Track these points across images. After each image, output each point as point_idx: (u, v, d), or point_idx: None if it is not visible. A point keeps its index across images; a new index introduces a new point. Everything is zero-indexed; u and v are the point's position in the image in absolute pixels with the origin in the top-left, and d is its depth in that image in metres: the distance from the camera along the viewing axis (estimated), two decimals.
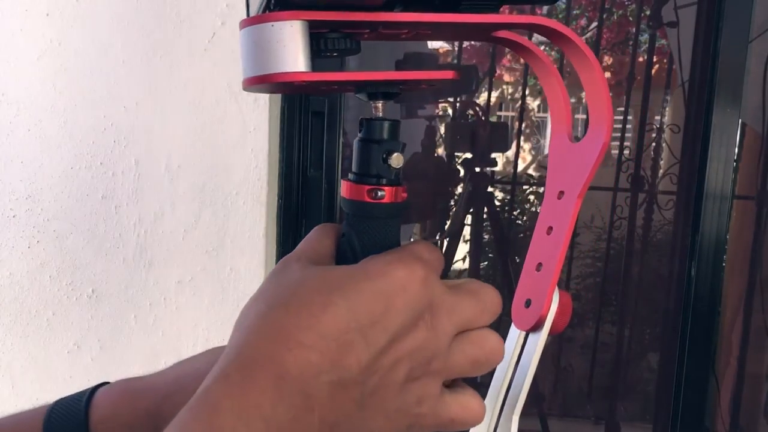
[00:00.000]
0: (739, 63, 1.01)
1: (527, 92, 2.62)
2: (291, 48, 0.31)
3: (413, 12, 0.32)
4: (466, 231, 2.19)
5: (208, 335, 1.06)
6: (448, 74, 0.34)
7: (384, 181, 0.36)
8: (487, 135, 2.00)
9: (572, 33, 0.35)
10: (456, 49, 2.48)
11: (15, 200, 1.07)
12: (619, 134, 2.29)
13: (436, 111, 2.25)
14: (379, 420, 0.31)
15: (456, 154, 2.21)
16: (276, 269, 0.35)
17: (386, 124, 0.36)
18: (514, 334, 0.39)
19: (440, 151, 2.29)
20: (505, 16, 0.33)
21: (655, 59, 2.33)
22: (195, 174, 1.03)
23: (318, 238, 0.36)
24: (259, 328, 0.31)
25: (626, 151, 2.31)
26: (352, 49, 0.34)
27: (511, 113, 3.67)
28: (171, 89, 1.02)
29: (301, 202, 1.10)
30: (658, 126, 2.26)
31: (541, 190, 2.89)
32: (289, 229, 1.09)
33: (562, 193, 0.38)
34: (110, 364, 1.09)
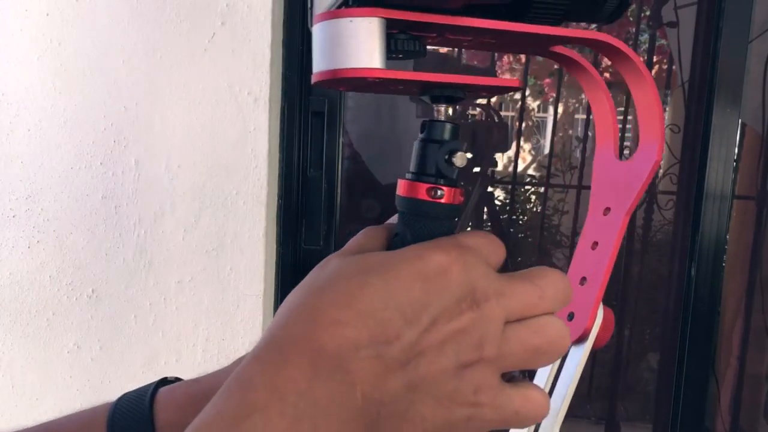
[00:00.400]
0: (739, 63, 1.01)
1: (527, 92, 2.62)
2: (368, 44, 0.32)
3: (476, 18, 0.33)
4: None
5: (208, 335, 1.06)
6: (514, 82, 0.35)
7: (443, 180, 0.36)
8: (487, 135, 2.00)
9: (631, 51, 0.35)
10: (455, 50, 2.48)
11: (15, 200, 1.07)
12: (618, 134, 2.29)
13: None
14: (430, 404, 0.30)
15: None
16: (318, 265, 0.34)
17: (449, 126, 0.36)
18: None
19: None
20: (568, 30, 0.34)
21: (655, 59, 2.33)
22: (195, 174, 1.03)
23: (365, 237, 0.36)
24: (293, 312, 0.31)
25: (626, 151, 2.31)
26: (418, 52, 0.34)
27: (511, 113, 3.67)
28: (171, 89, 1.02)
29: (301, 202, 1.10)
30: None
31: (541, 189, 2.89)
32: (289, 229, 1.09)
33: (608, 209, 0.38)
34: (110, 364, 1.09)
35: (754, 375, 1.84)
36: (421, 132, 0.37)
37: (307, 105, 1.08)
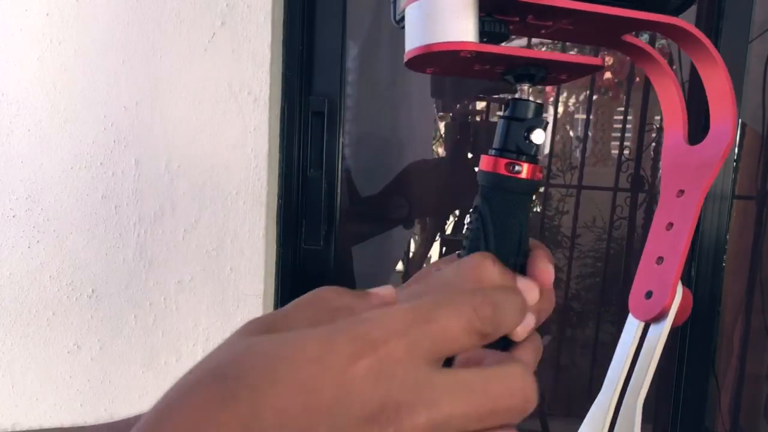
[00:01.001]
0: (739, 63, 1.01)
1: (527, 92, 2.62)
2: (463, 19, 0.33)
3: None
4: None
5: (208, 335, 1.06)
6: (597, 60, 0.37)
7: (523, 157, 0.37)
8: (487, 135, 2.00)
9: (701, 34, 0.36)
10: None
11: (15, 200, 1.07)
12: (618, 134, 2.29)
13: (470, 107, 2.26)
14: None
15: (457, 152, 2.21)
16: (237, 330, 0.29)
17: (531, 105, 0.38)
18: (633, 325, 0.40)
19: (440, 150, 2.29)
20: (645, 13, 0.35)
21: None
22: (195, 174, 1.03)
23: (298, 309, 0.29)
24: (176, 401, 0.26)
25: (626, 151, 2.31)
26: (502, 34, 0.35)
27: None
28: (171, 89, 1.02)
29: (301, 202, 1.10)
30: (658, 126, 2.26)
31: (541, 189, 2.89)
32: (289, 229, 1.09)
33: (681, 191, 0.39)
34: (110, 364, 1.09)
35: (753, 375, 1.84)
36: (504, 110, 0.39)
37: (307, 105, 1.08)
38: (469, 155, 1.99)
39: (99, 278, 1.07)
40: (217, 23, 1.00)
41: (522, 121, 0.38)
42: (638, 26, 0.36)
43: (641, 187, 2.10)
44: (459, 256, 0.39)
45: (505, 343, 0.35)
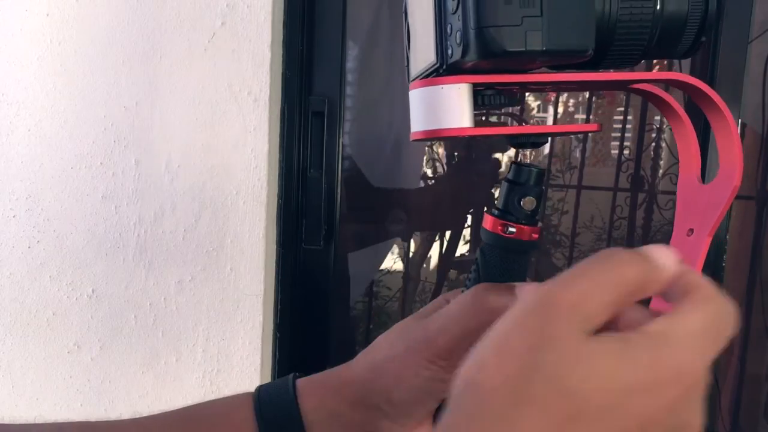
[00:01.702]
0: (738, 63, 1.01)
1: (527, 92, 2.62)
2: (458, 107, 0.36)
3: (558, 73, 0.36)
4: (466, 231, 2.19)
5: (208, 335, 1.06)
6: (593, 127, 0.39)
7: (515, 219, 0.41)
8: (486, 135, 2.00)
9: (706, 86, 0.38)
10: None
11: (15, 200, 1.07)
12: (619, 134, 2.29)
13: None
14: None
15: (455, 153, 2.21)
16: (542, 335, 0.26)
17: (527, 171, 0.41)
18: None
19: (441, 150, 2.29)
20: (645, 73, 0.38)
21: (655, 60, 2.33)
22: (195, 174, 1.03)
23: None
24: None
25: (626, 151, 2.31)
26: (506, 103, 0.39)
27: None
28: (171, 89, 1.02)
29: (301, 202, 1.10)
30: (657, 126, 2.26)
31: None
32: (289, 229, 1.09)
33: (691, 230, 0.41)
34: (110, 364, 1.09)
35: (753, 375, 1.84)
36: (509, 172, 0.42)
37: (307, 105, 1.08)
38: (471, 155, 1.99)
39: (99, 278, 1.08)
40: (217, 23, 1.00)
41: (519, 186, 0.41)
42: (640, 83, 0.38)
43: (641, 187, 2.10)
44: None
45: None
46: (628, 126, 2.33)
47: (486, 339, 0.27)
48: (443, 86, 0.36)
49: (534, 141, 0.40)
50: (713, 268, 1.07)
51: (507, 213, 0.41)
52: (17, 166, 1.07)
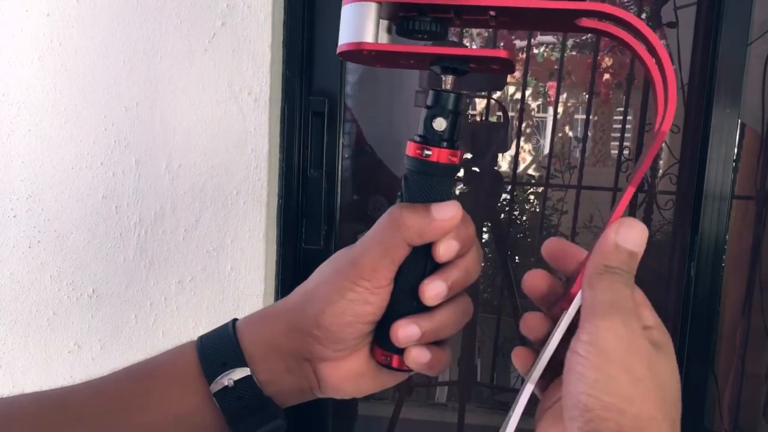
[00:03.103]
0: (738, 63, 1.01)
1: (527, 92, 2.62)
2: (362, 24, 0.38)
3: None
4: None
5: None
6: (503, 53, 0.39)
7: (430, 142, 0.42)
8: (486, 135, 2.00)
9: (637, 20, 0.37)
10: None
11: (15, 200, 1.07)
12: (618, 134, 2.29)
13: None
14: None
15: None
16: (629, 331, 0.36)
17: (437, 94, 0.42)
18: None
19: None
20: (581, 3, 0.36)
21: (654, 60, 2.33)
22: (195, 174, 1.04)
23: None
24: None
25: (626, 151, 2.31)
26: (437, 33, 0.39)
27: (510, 113, 3.67)
28: (171, 89, 1.03)
29: (301, 202, 1.10)
30: None
31: (540, 189, 2.89)
32: (289, 229, 1.09)
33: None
34: (111, 363, 1.09)
35: (753, 375, 1.84)
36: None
37: (307, 105, 1.08)
38: (468, 155, 1.99)
39: (99, 278, 1.08)
40: (217, 23, 1.00)
41: (429, 108, 0.42)
42: (580, 14, 0.37)
43: (641, 187, 2.10)
44: None
45: (435, 266, 0.43)
46: (628, 126, 2.33)
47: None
48: (351, 4, 0.38)
49: (455, 67, 0.40)
50: (713, 268, 1.07)
51: (425, 138, 0.42)
52: (18, 166, 1.07)
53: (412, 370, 0.44)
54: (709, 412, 1.68)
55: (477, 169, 2.00)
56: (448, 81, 0.42)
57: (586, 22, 0.37)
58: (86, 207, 1.06)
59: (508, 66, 0.40)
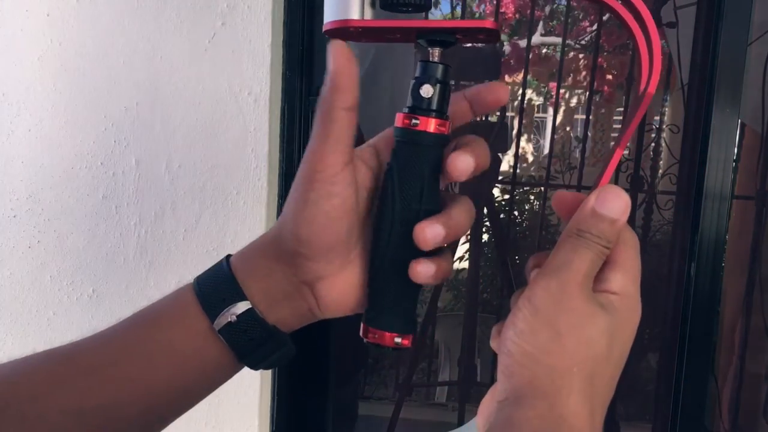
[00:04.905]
0: (738, 64, 1.01)
1: (527, 92, 2.62)
2: (345, 1, 0.39)
3: None
4: None
5: None
6: (488, 23, 0.38)
7: (418, 111, 0.41)
8: (486, 135, 2.00)
9: None
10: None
11: (15, 200, 1.08)
12: (618, 134, 2.29)
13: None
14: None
15: None
16: (557, 301, 0.38)
17: (422, 64, 0.42)
18: None
19: None
20: None
21: None
22: (195, 174, 1.04)
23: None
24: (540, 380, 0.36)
25: (625, 151, 2.31)
26: (422, 5, 0.39)
27: (510, 113, 3.68)
28: (171, 89, 1.03)
29: None
30: (657, 126, 2.27)
31: (539, 190, 2.88)
32: None
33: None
34: None
35: (753, 375, 1.84)
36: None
37: (308, 105, 1.08)
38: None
39: (100, 278, 1.08)
40: (217, 23, 1.00)
41: (415, 78, 0.42)
42: None
43: (641, 187, 2.10)
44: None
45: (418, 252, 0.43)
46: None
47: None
48: None
49: (441, 39, 0.40)
50: (712, 268, 1.07)
51: (412, 108, 0.42)
52: (18, 166, 1.07)
53: (403, 347, 0.44)
54: (708, 412, 1.68)
55: None
56: (435, 53, 0.41)
57: None
58: (86, 207, 1.06)
59: (494, 35, 0.40)
